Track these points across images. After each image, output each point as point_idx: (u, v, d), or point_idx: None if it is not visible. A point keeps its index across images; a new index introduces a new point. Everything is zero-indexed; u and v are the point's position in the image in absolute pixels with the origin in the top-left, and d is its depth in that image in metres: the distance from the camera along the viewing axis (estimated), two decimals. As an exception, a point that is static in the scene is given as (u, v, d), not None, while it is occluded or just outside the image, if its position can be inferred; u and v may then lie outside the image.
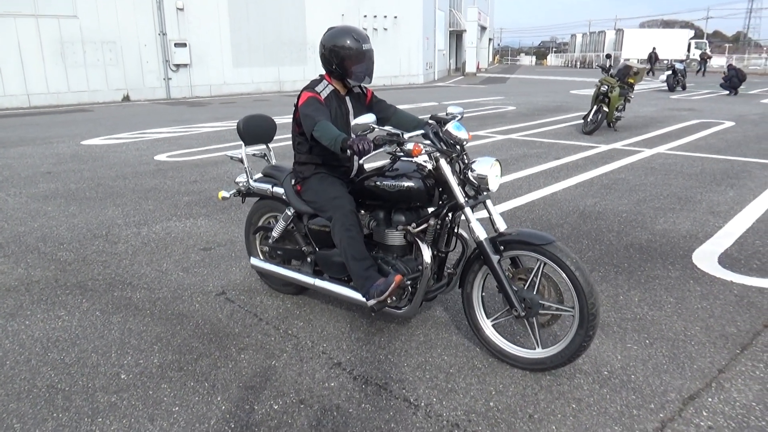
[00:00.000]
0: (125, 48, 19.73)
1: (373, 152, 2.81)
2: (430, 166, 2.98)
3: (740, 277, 4.12)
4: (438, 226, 3.04)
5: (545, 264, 2.76)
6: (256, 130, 3.71)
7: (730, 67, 21.98)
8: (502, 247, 2.85)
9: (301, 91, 3.16)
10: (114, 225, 5.56)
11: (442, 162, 2.92)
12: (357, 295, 3.18)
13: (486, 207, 2.98)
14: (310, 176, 3.32)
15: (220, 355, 3.09)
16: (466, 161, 2.99)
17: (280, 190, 3.57)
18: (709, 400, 2.68)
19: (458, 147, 3.00)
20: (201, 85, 21.77)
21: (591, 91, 11.63)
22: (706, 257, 4.51)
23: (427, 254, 2.99)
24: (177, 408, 2.65)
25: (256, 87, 23.28)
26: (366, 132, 2.82)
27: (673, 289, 3.92)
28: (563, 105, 16.85)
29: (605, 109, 11.21)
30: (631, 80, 11.68)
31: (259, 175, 3.81)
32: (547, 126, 12.44)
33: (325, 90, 3.20)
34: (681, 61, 24.03)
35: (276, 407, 2.64)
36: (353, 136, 2.82)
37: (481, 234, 2.88)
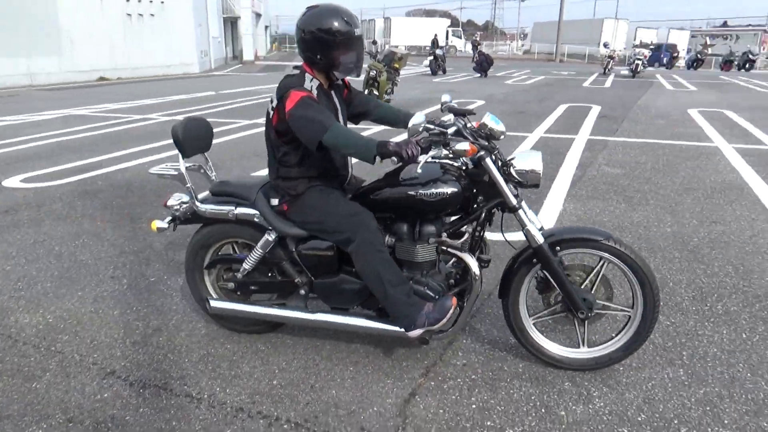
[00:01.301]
0: None
1: (423, 157, 2.47)
2: (457, 164, 2.62)
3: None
4: (477, 233, 2.75)
5: (607, 262, 2.65)
6: (197, 138, 2.99)
7: (480, 53, 24.85)
8: (558, 247, 2.64)
9: (286, 91, 2.56)
10: None
11: (488, 161, 2.58)
12: (387, 326, 2.74)
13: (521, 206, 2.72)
14: (303, 192, 2.73)
15: (-35, 389, 2.71)
16: (504, 157, 2.69)
17: (248, 212, 2.87)
18: (464, 341, 3.10)
19: (494, 142, 2.67)
20: None
21: (362, 77, 12.27)
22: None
23: (474, 265, 2.69)
24: None
25: (1, 81, 20.14)
26: (415, 134, 2.41)
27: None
28: (340, 90, 17.47)
29: (375, 92, 11.94)
30: (396, 65, 12.59)
31: (206, 193, 3.05)
32: (326, 111, 12.81)
33: (312, 85, 2.61)
34: (441, 47, 26.46)
35: None
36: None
37: (539, 237, 2.62)
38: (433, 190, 2.59)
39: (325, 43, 2.55)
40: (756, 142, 8.82)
